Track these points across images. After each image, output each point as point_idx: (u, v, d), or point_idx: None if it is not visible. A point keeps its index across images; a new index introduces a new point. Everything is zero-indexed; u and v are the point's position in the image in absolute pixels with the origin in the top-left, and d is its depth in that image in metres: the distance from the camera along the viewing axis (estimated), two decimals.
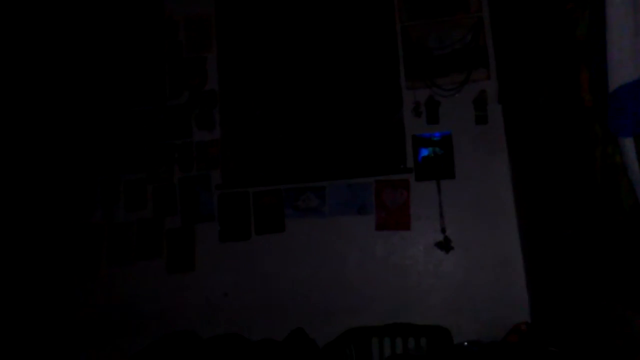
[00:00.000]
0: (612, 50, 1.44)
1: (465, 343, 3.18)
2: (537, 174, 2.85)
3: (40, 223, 3.88)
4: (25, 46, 3.96)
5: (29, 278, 3.74)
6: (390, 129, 3.70)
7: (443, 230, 3.52)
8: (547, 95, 2.47)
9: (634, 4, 1.37)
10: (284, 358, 3.29)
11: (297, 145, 3.84)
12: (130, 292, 3.88)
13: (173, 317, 3.77)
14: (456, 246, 3.50)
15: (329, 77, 3.85)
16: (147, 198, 3.97)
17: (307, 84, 3.88)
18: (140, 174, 4.00)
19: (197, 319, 3.74)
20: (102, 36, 4.20)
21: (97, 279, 3.93)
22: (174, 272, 3.85)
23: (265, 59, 3.97)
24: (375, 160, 3.70)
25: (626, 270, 1.71)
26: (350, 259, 3.65)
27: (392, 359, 3.31)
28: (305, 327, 3.47)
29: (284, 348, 3.35)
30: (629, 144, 1.43)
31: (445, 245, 3.50)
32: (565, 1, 1.92)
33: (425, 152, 3.61)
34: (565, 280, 2.52)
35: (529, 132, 2.94)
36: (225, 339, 3.53)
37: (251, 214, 3.82)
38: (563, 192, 2.38)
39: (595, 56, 1.61)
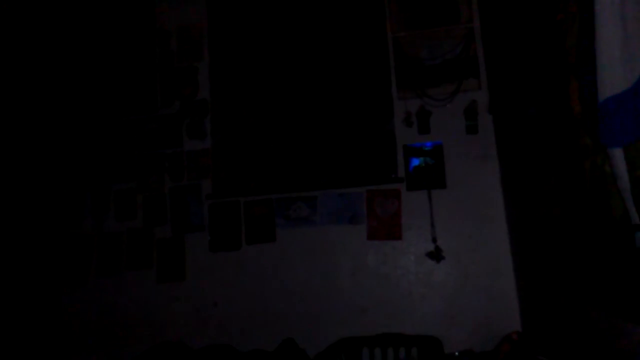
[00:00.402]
0: (602, 61, 1.45)
1: (457, 353, 3.18)
2: (527, 184, 2.86)
3: (29, 232, 3.83)
4: (16, 56, 3.94)
5: (17, 287, 3.70)
6: (382, 138, 3.71)
7: (434, 240, 3.53)
8: (537, 105, 2.48)
9: (623, 15, 1.38)
10: None
11: (288, 154, 3.83)
12: (119, 302, 3.84)
13: (163, 327, 3.74)
14: (447, 256, 3.50)
15: (320, 87, 3.86)
16: (137, 208, 3.96)
17: (298, 94, 3.89)
18: (130, 184, 3.98)
19: (187, 329, 3.72)
20: (94, 45, 4.19)
21: (86, 289, 3.90)
22: (164, 282, 3.82)
23: (257, 69, 3.98)
24: (366, 170, 3.70)
25: (615, 279, 1.71)
26: (342, 269, 3.65)
27: None
28: (296, 337, 3.45)
29: (274, 358, 3.33)
30: (618, 154, 1.44)
31: (436, 254, 3.51)
32: (555, 12, 1.94)
33: (416, 162, 3.62)
34: (556, 289, 2.53)
35: (519, 142, 2.95)
36: (215, 349, 3.50)
37: (242, 223, 3.80)
38: (553, 203, 2.39)
39: (584, 67, 1.62)
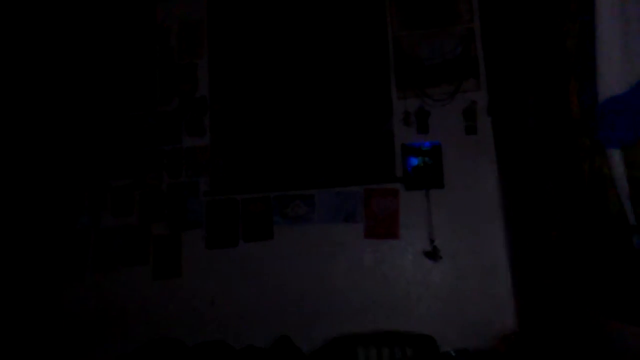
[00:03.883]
0: (602, 63, 1.45)
1: (453, 352, 3.18)
2: (525, 184, 2.86)
3: (26, 227, 3.83)
4: (16, 52, 3.93)
5: (14, 282, 3.69)
6: (381, 137, 3.71)
7: (432, 240, 3.53)
8: (537, 107, 2.49)
9: (624, 17, 1.38)
10: None
11: (286, 152, 3.83)
12: (116, 298, 3.84)
13: (159, 323, 3.73)
14: (444, 255, 3.51)
15: (320, 85, 3.86)
16: (135, 204, 3.95)
17: (298, 92, 3.88)
18: (128, 180, 3.98)
19: (183, 325, 3.71)
20: (93, 41, 4.19)
21: (83, 285, 3.89)
22: (160, 278, 3.82)
23: (257, 67, 3.97)
24: (364, 169, 3.70)
25: (613, 280, 1.72)
26: (339, 267, 3.64)
27: None
28: (292, 334, 3.45)
29: (269, 356, 3.33)
30: (616, 154, 1.44)
31: (433, 254, 3.51)
32: (556, 14, 1.94)
33: (414, 162, 3.62)
34: (553, 291, 2.53)
35: (518, 143, 2.95)
36: (210, 346, 3.50)
37: (239, 221, 3.80)
38: (551, 203, 2.40)
39: (584, 68, 1.62)
